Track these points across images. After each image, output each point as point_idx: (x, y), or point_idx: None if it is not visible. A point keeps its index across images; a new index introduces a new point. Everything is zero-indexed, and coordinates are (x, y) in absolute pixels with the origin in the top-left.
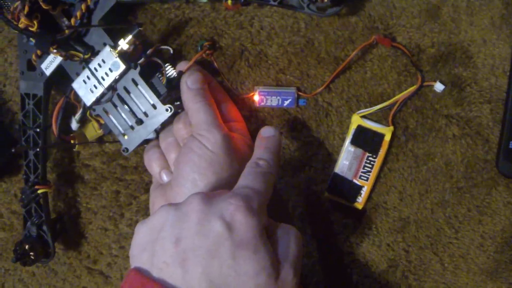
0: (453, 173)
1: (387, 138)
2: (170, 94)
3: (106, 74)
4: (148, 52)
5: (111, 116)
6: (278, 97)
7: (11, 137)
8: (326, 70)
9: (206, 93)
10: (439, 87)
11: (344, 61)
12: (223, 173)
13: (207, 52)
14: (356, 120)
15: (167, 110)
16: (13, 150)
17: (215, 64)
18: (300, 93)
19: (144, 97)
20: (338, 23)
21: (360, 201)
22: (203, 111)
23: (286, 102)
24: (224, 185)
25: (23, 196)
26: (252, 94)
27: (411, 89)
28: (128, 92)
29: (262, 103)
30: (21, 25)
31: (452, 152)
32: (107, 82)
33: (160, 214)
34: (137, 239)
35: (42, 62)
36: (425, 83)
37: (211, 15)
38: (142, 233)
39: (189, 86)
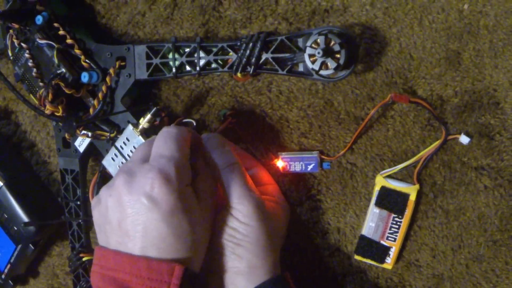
0: (487, 226)
1: (412, 197)
2: None
3: (132, 151)
4: None
5: None
6: (301, 163)
7: (59, 205)
8: (348, 130)
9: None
10: (464, 140)
11: (364, 120)
12: (260, 242)
13: (231, 121)
14: (379, 181)
15: None
16: (62, 217)
17: (238, 132)
18: (323, 157)
19: None
20: (355, 81)
21: (389, 262)
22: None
23: (310, 167)
24: (262, 255)
25: (70, 263)
26: (275, 160)
27: (435, 144)
28: None
29: (286, 169)
30: (47, 112)
31: (485, 205)
32: None
33: (103, 199)
34: (94, 221)
35: (75, 139)
36: (449, 137)
37: (229, 83)
38: (95, 216)
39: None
